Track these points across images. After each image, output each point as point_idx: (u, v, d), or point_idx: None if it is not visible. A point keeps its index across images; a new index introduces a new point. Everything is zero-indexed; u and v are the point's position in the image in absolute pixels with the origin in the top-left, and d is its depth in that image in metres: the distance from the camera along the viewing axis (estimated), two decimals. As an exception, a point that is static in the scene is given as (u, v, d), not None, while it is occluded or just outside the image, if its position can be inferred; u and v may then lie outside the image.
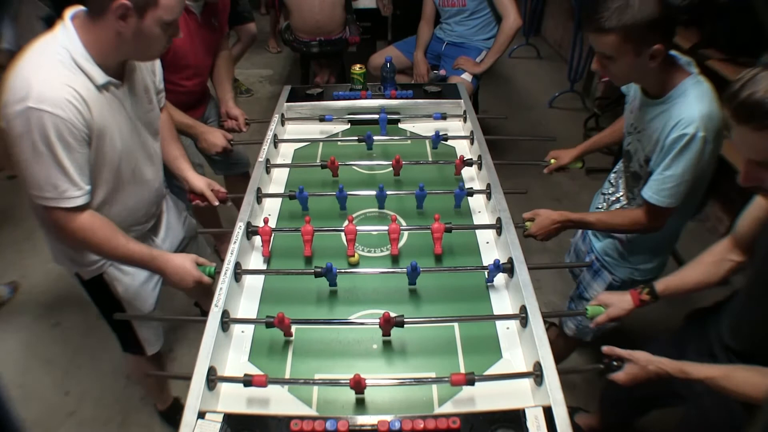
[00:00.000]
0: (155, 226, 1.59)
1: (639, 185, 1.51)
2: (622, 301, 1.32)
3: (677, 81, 1.33)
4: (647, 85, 1.40)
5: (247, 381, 1.05)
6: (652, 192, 1.37)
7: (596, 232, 1.72)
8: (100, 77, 1.22)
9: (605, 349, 1.21)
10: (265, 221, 1.45)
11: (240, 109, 2.18)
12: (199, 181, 1.66)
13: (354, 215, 1.59)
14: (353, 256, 1.41)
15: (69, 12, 1.22)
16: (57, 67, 1.16)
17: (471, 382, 1.05)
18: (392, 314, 1.15)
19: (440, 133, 1.83)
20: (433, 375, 1.14)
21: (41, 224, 1.38)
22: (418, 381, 1.11)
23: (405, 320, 1.17)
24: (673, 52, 1.36)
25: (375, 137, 1.82)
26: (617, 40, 1.25)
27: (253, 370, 1.16)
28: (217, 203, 1.69)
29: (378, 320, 1.16)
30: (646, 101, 1.41)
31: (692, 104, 1.28)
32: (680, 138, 1.28)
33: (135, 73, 1.36)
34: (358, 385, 1.04)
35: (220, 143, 1.97)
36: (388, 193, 1.61)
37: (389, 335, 1.22)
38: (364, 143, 1.83)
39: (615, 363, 1.18)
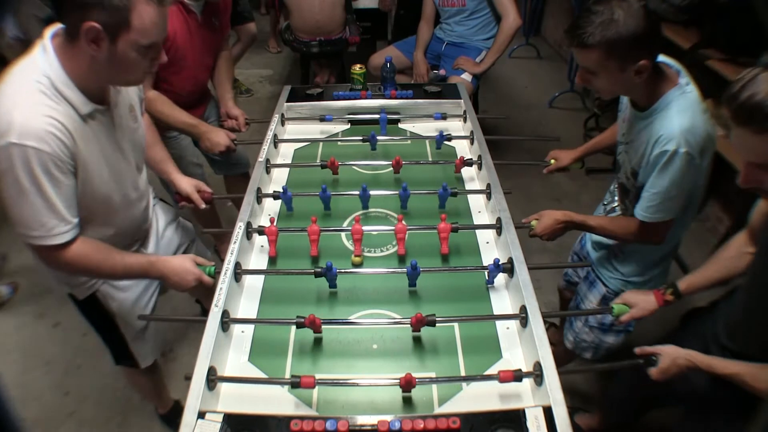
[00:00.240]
0: (145, 238, 1.57)
1: (628, 197, 1.51)
2: (645, 302, 1.33)
3: (662, 92, 1.29)
4: (634, 97, 1.38)
5: (295, 383, 1.04)
6: (641, 209, 1.36)
7: (594, 242, 1.72)
8: (84, 106, 1.16)
9: (637, 350, 1.23)
10: (272, 221, 1.45)
11: (240, 109, 2.18)
12: (185, 184, 1.65)
13: (354, 215, 1.59)
14: (359, 256, 1.41)
15: (49, 31, 1.15)
16: (38, 98, 1.09)
17: (519, 379, 1.06)
18: (423, 314, 1.16)
19: (444, 133, 1.82)
20: (433, 374, 1.13)
21: (32, 253, 1.29)
22: (465, 378, 1.12)
23: (401, 320, 1.18)
24: (664, 59, 1.33)
25: (378, 137, 1.82)
26: (601, 56, 1.21)
27: (253, 370, 1.16)
28: (203, 206, 1.68)
29: (376, 320, 1.18)
30: (634, 113, 1.39)
31: (673, 119, 1.25)
32: (662, 155, 1.26)
33: (120, 95, 1.31)
34: (408, 384, 1.04)
35: (224, 142, 1.97)
36: (388, 193, 1.61)
37: (419, 331, 1.22)
38: (365, 143, 1.83)
39: (653, 357, 1.20)
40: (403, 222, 1.42)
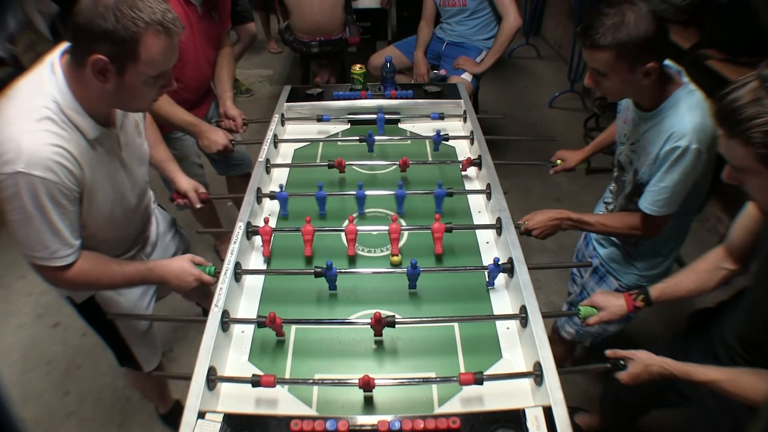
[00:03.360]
0: (144, 244, 1.58)
1: (622, 194, 1.53)
2: (615, 306, 1.31)
3: (669, 92, 1.33)
4: (640, 99, 1.40)
5: (255, 381, 1.05)
6: (647, 203, 1.38)
7: (600, 238, 1.72)
8: (92, 131, 1.16)
9: (609, 352, 1.22)
10: (266, 221, 1.45)
11: (238, 109, 2.17)
12: (185, 183, 1.67)
13: (354, 215, 1.59)
14: (354, 255, 1.41)
15: (59, 49, 1.13)
16: (47, 125, 1.08)
17: (479, 382, 1.05)
18: (383, 314, 1.14)
19: (441, 133, 1.82)
20: (433, 375, 1.13)
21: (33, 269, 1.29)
22: (426, 380, 1.11)
23: (401, 320, 1.17)
24: (664, 61, 1.34)
25: (375, 137, 1.82)
26: (611, 56, 1.25)
27: (254, 371, 1.16)
28: (199, 206, 1.69)
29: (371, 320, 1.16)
30: (639, 114, 1.41)
31: (684, 116, 1.28)
32: (673, 150, 1.29)
33: (126, 115, 1.31)
34: (366, 385, 1.04)
35: (222, 142, 1.97)
36: (387, 193, 1.61)
37: (381, 335, 1.21)
38: (364, 143, 1.83)
39: (622, 362, 1.19)
40: (398, 222, 1.41)
